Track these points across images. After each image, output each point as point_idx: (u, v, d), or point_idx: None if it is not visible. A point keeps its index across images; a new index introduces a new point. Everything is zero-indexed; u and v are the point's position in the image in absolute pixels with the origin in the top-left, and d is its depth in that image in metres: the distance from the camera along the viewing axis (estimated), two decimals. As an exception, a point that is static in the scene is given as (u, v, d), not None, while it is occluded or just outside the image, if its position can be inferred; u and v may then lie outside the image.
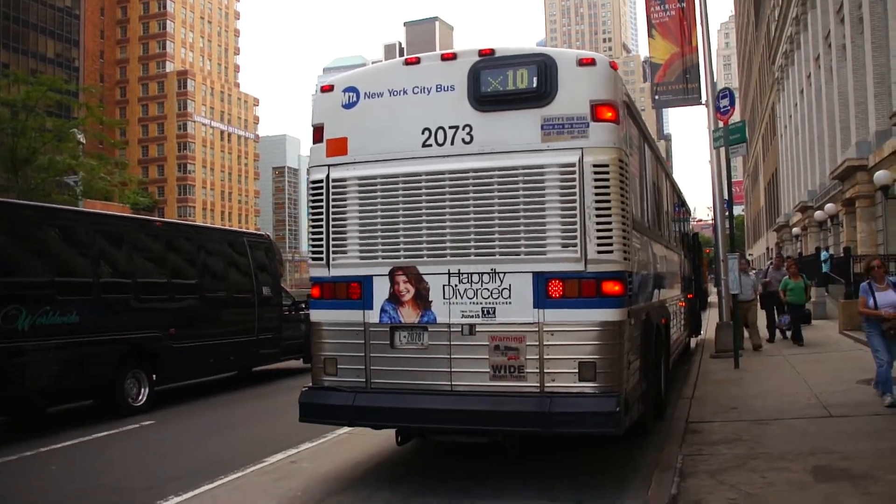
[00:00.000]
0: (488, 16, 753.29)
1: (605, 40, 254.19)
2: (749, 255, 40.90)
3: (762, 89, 67.07)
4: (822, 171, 34.57)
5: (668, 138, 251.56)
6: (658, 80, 19.83)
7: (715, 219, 18.63)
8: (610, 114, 6.98)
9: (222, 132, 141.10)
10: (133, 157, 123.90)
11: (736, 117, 16.40)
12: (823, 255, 27.78)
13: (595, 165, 6.89)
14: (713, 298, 28.25)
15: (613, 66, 7.24)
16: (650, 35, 20.35)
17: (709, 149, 18.50)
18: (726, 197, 17.89)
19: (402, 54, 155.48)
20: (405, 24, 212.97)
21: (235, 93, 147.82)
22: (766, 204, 69.25)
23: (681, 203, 16.27)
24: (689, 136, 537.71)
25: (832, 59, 31.05)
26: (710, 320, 23.05)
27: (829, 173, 31.63)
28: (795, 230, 44.76)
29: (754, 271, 23.44)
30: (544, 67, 7.07)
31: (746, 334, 17.44)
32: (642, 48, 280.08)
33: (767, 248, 60.05)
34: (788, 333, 18.47)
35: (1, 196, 34.24)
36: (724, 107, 15.97)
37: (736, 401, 11.02)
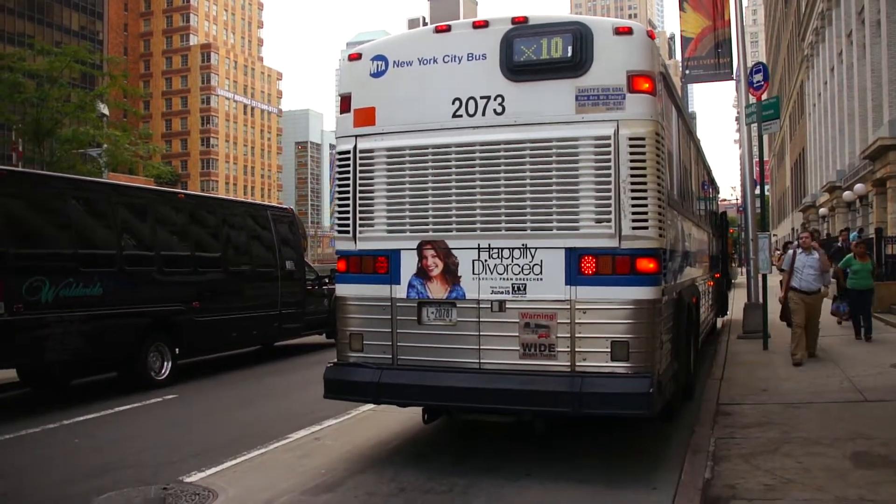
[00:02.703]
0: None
1: (630, 16, 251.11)
2: (773, 235, 39.96)
3: (790, 67, 66.06)
4: (852, 151, 33.96)
5: (692, 116, 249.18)
6: (689, 55, 19.46)
7: (744, 197, 18.32)
8: (647, 85, 6.75)
9: (245, 106, 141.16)
10: (156, 130, 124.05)
11: (764, 95, 16.03)
12: (853, 235, 27.33)
13: (631, 138, 6.68)
14: (738, 279, 27.98)
15: (651, 36, 7.00)
16: (681, 8, 19.94)
17: (734, 127, 18.21)
18: (756, 176, 17.57)
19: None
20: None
21: (259, 67, 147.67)
22: (792, 184, 68.42)
23: (710, 181, 15.99)
24: (712, 114, 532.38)
25: (865, 35, 30.39)
26: (734, 300, 22.73)
27: (859, 153, 31.05)
28: (822, 211, 44.11)
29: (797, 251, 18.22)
30: (580, 36, 6.83)
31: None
32: (668, 24, 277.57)
33: (792, 229, 59.43)
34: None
35: (26, 167, 34.46)
36: (758, 82, 15.61)
37: (766, 383, 10.82)
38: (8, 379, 12.66)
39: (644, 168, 6.68)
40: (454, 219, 7.17)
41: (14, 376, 12.62)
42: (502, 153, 7.00)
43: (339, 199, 7.67)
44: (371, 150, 7.46)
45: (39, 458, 8.40)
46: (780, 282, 14.04)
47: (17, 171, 12.34)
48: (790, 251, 12.88)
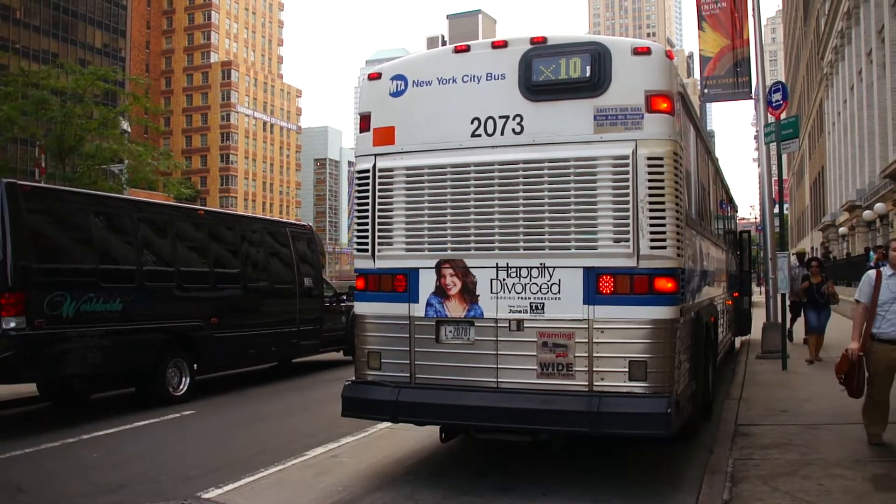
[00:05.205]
0: (532, 9, 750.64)
1: (649, 34, 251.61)
2: (793, 255, 39.39)
3: (809, 86, 65.90)
4: (872, 170, 33.82)
5: (711, 135, 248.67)
6: (708, 74, 19.45)
7: (763, 216, 18.24)
8: (665, 105, 6.76)
9: (265, 123, 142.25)
10: (177, 146, 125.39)
11: (783, 114, 16.00)
12: (872, 255, 27.10)
13: (649, 158, 6.68)
14: (757, 298, 27.78)
15: (669, 56, 7.01)
16: (700, 28, 19.96)
17: (753, 145, 18.14)
18: (776, 196, 17.49)
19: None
20: (448, 16, 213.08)
21: (278, 84, 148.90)
22: (812, 203, 68.10)
23: (729, 199, 15.94)
24: (731, 133, 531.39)
25: (885, 54, 30.32)
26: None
27: (879, 172, 30.93)
28: (842, 230, 43.89)
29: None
30: (598, 56, 6.86)
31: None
32: (687, 43, 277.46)
33: (812, 248, 59.09)
34: None
35: (47, 183, 34.82)
36: (777, 101, 15.57)
37: (785, 403, 10.73)
38: (28, 393, 12.76)
39: (662, 188, 6.68)
40: (473, 238, 7.19)
41: (34, 390, 12.71)
42: (521, 172, 7.02)
43: (358, 217, 7.71)
44: (390, 169, 7.51)
45: (58, 472, 8.45)
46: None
47: (40, 187, 12.44)
48: (870, 273, 8.15)
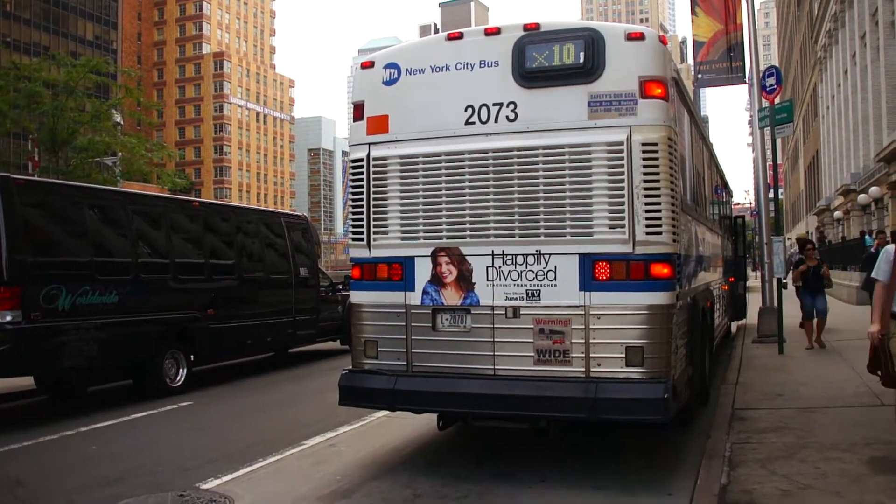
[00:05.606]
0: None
1: (642, 20, 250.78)
2: (788, 239, 38.78)
3: (803, 70, 65.84)
4: (867, 154, 33.81)
5: (705, 120, 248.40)
6: (701, 59, 19.44)
7: (758, 200, 18.25)
8: (659, 90, 6.75)
9: (258, 114, 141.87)
10: (170, 138, 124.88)
11: (777, 98, 15.99)
12: (868, 239, 27.13)
13: (644, 144, 6.68)
14: (752, 283, 27.83)
15: (663, 41, 6.99)
16: (693, 12, 19.93)
17: (747, 130, 18.15)
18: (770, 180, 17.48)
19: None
20: (440, 4, 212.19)
21: (271, 74, 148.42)
22: (807, 187, 68.19)
23: (724, 184, 15.95)
24: (725, 118, 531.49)
25: (879, 37, 30.27)
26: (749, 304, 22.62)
27: (874, 155, 30.91)
28: (837, 214, 43.93)
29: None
30: (591, 42, 6.84)
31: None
32: (680, 29, 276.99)
33: (807, 232, 59.28)
34: None
35: (41, 177, 34.71)
36: (771, 85, 15.57)
37: (782, 387, 10.75)
38: (26, 386, 12.75)
39: (657, 173, 6.68)
40: (468, 226, 7.18)
41: (32, 384, 12.71)
42: (515, 160, 7.01)
43: (353, 206, 7.70)
44: (384, 158, 7.49)
45: (57, 465, 8.45)
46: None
47: (33, 181, 12.42)
48: (888, 248, 7.15)
